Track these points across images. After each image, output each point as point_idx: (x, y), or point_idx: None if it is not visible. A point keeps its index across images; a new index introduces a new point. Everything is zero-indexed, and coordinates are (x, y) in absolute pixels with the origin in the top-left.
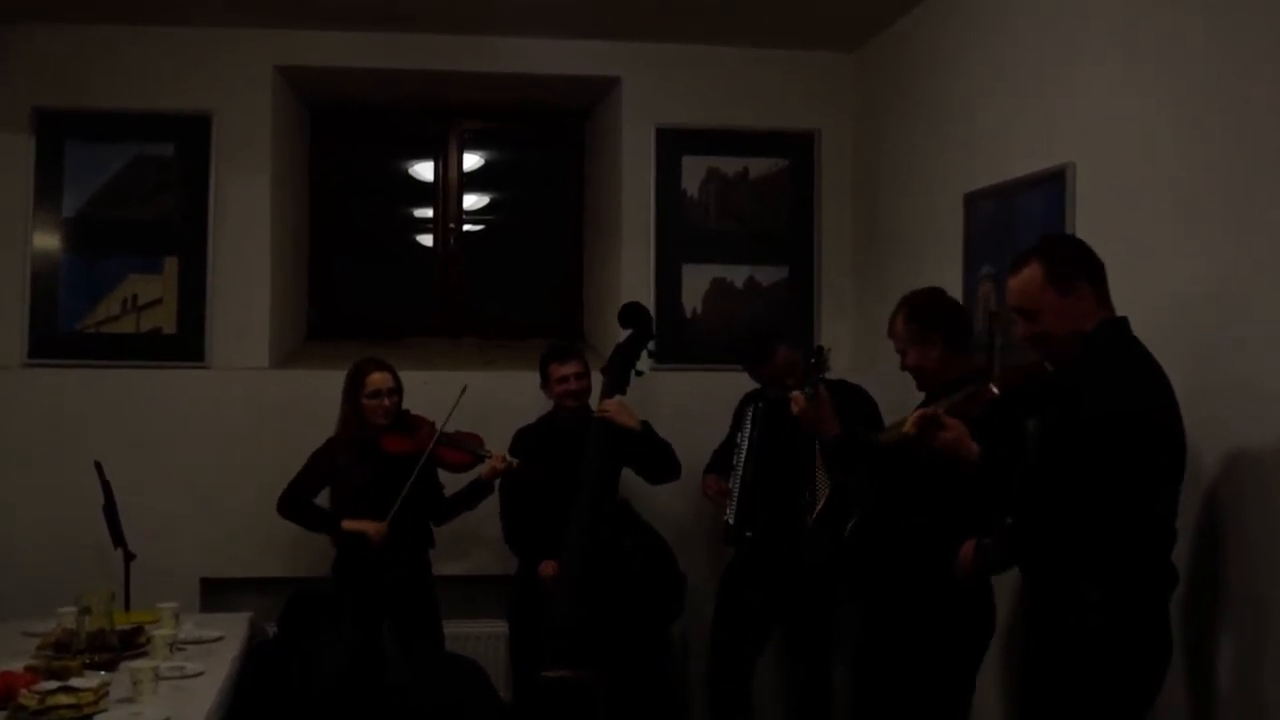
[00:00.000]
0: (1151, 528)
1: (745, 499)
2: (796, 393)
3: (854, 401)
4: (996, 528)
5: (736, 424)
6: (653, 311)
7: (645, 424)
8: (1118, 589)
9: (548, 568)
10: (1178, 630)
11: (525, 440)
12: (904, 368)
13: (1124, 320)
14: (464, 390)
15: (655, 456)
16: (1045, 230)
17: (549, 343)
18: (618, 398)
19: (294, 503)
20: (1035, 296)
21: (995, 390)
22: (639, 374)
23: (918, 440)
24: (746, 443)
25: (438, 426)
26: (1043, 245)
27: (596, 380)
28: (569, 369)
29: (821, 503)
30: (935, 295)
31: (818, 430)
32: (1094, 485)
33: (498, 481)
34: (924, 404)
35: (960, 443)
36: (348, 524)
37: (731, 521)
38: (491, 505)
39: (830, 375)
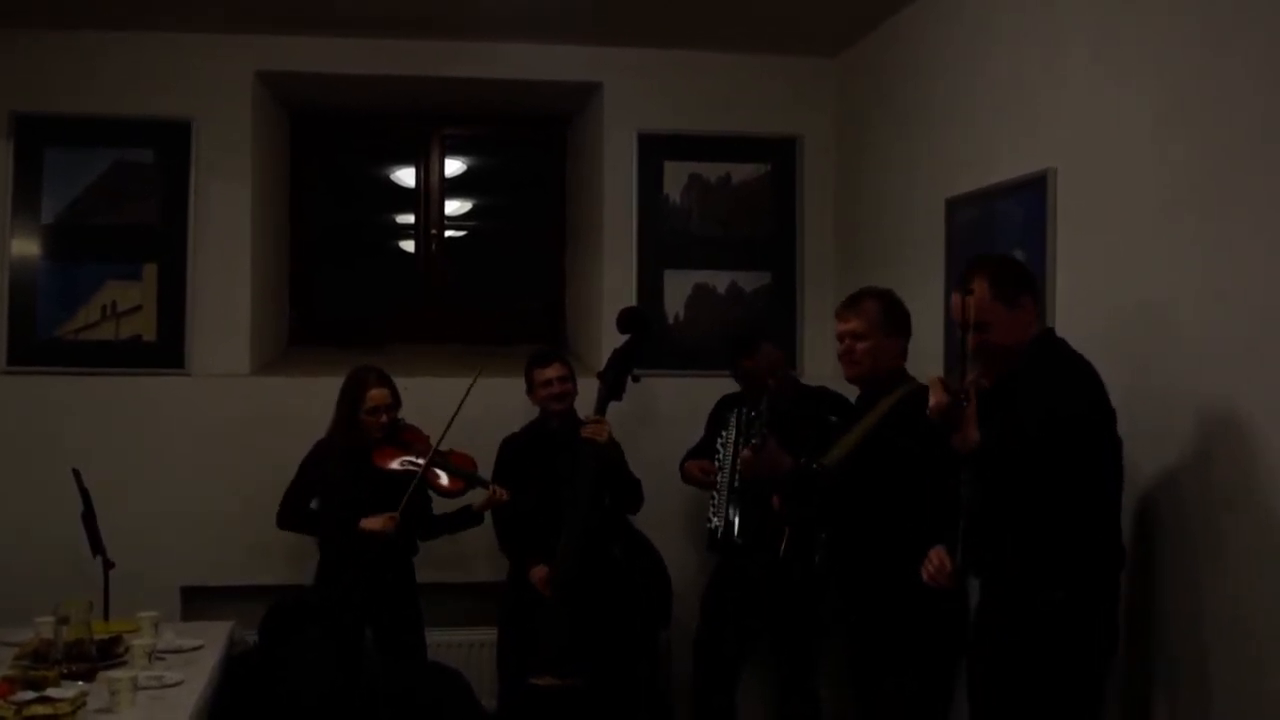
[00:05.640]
0: (1100, 519)
1: (734, 505)
2: (745, 450)
3: (825, 407)
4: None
5: (713, 427)
6: None
7: (620, 453)
8: (1076, 581)
9: (540, 572)
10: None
11: (511, 449)
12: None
13: (1051, 330)
14: (470, 386)
15: (623, 486)
16: (1027, 235)
17: (532, 350)
18: (598, 419)
19: (294, 513)
20: (986, 310)
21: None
22: (636, 380)
23: (947, 408)
24: (732, 449)
25: (433, 442)
26: (985, 263)
27: (586, 387)
28: (550, 373)
29: (787, 534)
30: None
31: (769, 475)
32: (1042, 486)
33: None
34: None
35: (970, 423)
36: (366, 523)
37: (712, 525)
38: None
39: (808, 383)
